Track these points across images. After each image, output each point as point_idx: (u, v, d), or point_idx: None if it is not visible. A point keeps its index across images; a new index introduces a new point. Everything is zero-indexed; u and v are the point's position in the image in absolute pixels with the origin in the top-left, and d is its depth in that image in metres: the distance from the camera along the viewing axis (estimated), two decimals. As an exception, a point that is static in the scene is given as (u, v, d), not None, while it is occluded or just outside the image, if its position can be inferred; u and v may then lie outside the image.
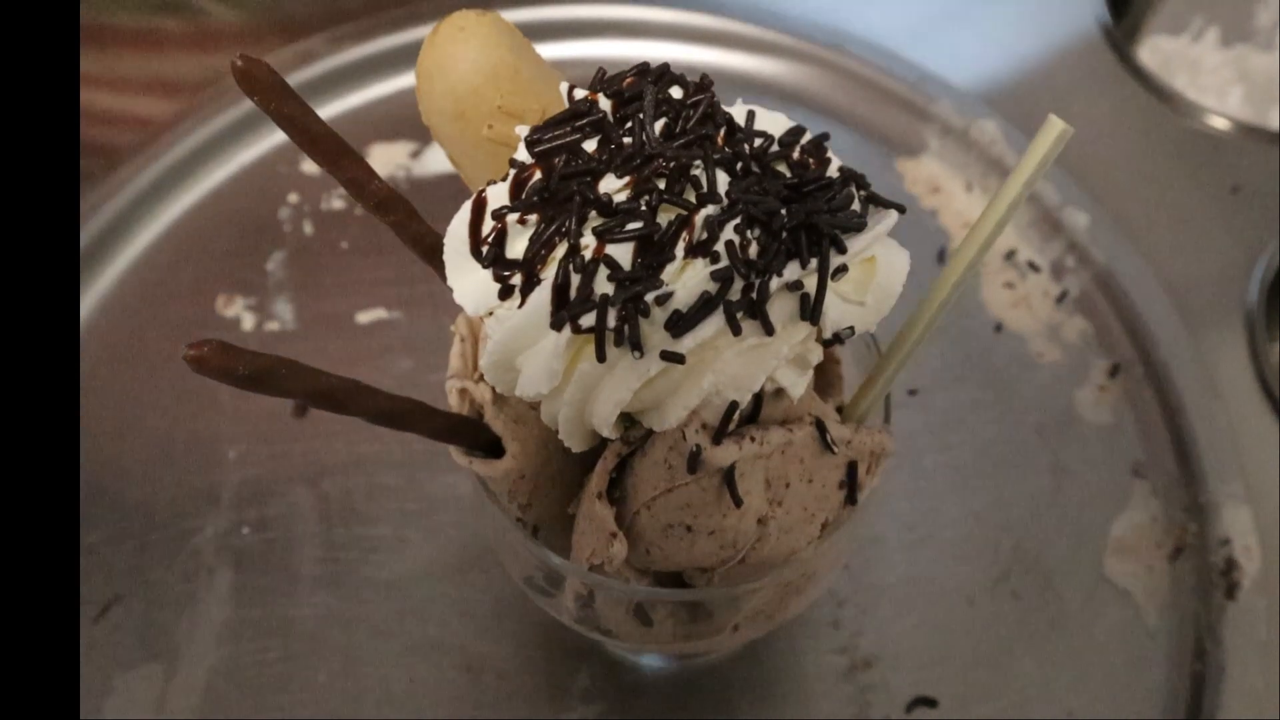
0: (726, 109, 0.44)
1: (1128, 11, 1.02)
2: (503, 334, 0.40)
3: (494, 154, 0.47)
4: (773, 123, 0.45)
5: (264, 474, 0.72)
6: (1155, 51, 1.01)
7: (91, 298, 0.80)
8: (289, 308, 0.80)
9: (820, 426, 0.46)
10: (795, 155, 0.44)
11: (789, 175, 0.43)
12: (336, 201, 0.85)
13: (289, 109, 0.39)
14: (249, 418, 0.74)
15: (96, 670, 0.64)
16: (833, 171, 0.44)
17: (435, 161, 0.86)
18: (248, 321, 0.79)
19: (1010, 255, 0.83)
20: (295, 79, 0.90)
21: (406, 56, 0.89)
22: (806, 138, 0.44)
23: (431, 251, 0.45)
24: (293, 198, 0.85)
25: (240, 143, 0.87)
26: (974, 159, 0.88)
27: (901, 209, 0.44)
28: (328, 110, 0.90)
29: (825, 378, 0.57)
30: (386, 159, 0.87)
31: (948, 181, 0.87)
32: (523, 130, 0.42)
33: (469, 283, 0.41)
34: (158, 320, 0.79)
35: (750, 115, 0.45)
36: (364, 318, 0.79)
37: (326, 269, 0.81)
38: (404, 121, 0.88)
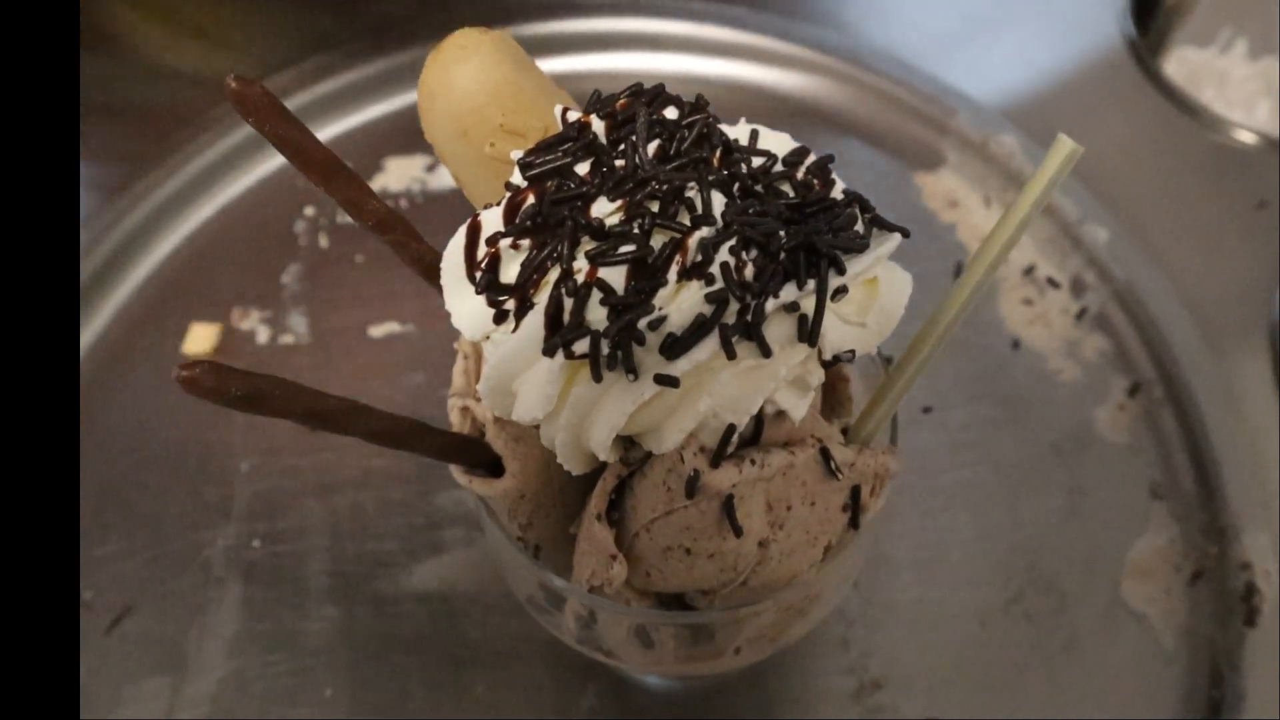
0: (729, 128, 0.44)
1: (1153, 23, 1.01)
2: (497, 359, 0.40)
3: (496, 172, 0.47)
4: (776, 142, 0.45)
5: (275, 487, 0.72)
6: (1182, 64, 0.99)
7: (108, 309, 0.80)
8: (303, 321, 0.80)
9: (824, 450, 0.46)
10: (799, 176, 0.43)
11: (792, 195, 0.42)
12: (352, 215, 0.85)
13: (284, 130, 0.39)
14: (262, 431, 0.74)
15: (106, 681, 0.65)
16: (837, 193, 0.43)
17: (450, 175, 0.86)
18: (262, 334, 0.79)
19: (1029, 271, 0.82)
20: (312, 93, 0.91)
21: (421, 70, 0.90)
22: (811, 159, 0.44)
23: (431, 270, 0.45)
24: (309, 211, 0.86)
25: (256, 156, 0.87)
26: (993, 173, 0.87)
27: (906, 233, 0.43)
28: (344, 124, 0.91)
29: (834, 397, 0.56)
30: (402, 172, 0.87)
31: (966, 196, 0.86)
32: (519, 153, 0.42)
33: (466, 307, 0.41)
34: (173, 333, 0.79)
35: (754, 134, 0.44)
36: (377, 331, 0.79)
37: (341, 282, 0.82)
38: (419, 135, 0.88)
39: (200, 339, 0.78)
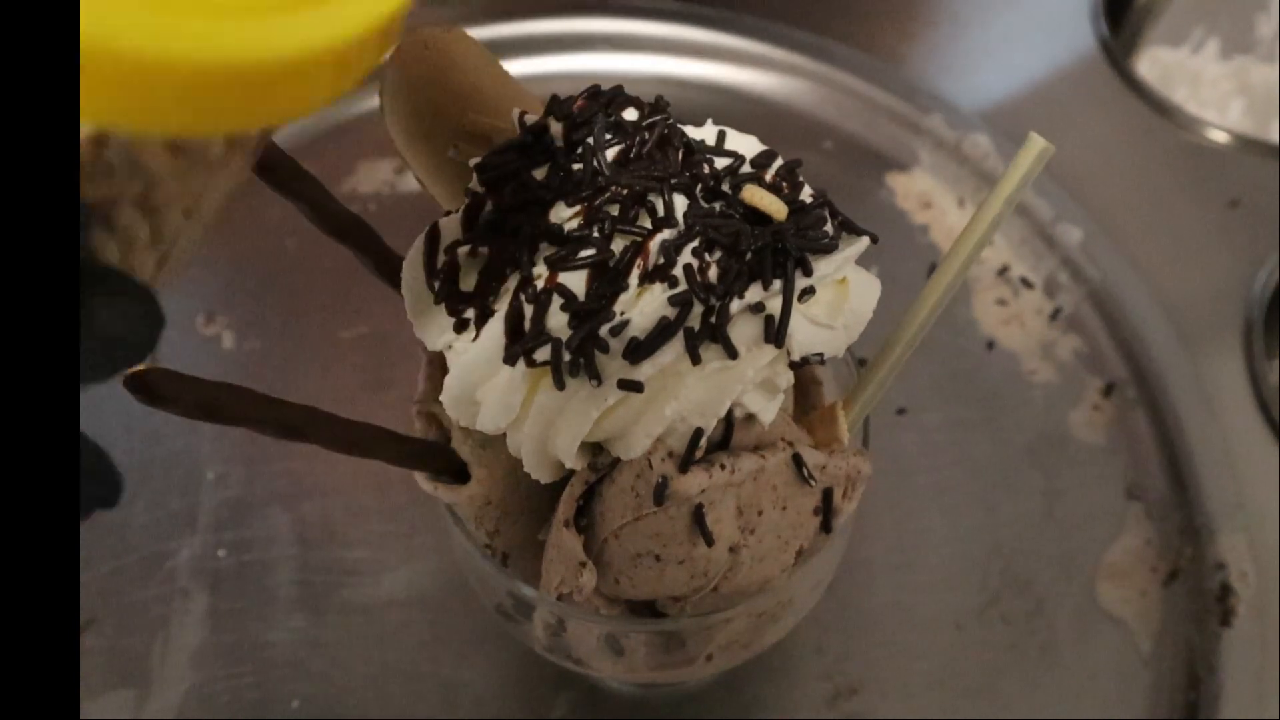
0: (695, 130, 0.43)
1: (1125, 23, 1.01)
2: (459, 368, 0.39)
3: (460, 176, 0.46)
4: (743, 144, 0.44)
5: (242, 496, 0.71)
6: (1154, 64, 0.99)
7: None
8: (271, 326, 0.79)
9: (795, 455, 0.45)
10: (768, 178, 0.43)
11: (759, 196, 0.42)
12: (320, 218, 0.84)
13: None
14: (228, 439, 0.73)
15: (68, 695, 0.63)
16: (805, 196, 0.43)
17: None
18: (228, 340, 0.78)
19: (1003, 271, 0.82)
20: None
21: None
22: (779, 162, 0.43)
23: (393, 274, 0.45)
24: (276, 215, 0.84)
25: (222, 159, 0.86)
26: (966, 174, 0.86)
27: (874, 238, 0.43)
28: (314, 126, 0.90)
29: (807, 400, 0.55)
30: (371, 175, 0.87)
31: (940, 197, 0.86)
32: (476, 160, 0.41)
33: (427, 316, 0.41)
34: (138, 339, 0.78)
35: (720, 135, 0.44)
36: (346, 335, 0.78)
37: (309, 287, 0.81)
38: (388, 137, 0.88)
39: None
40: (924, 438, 0.74)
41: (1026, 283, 0.81)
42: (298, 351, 0.78)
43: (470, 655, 0.65)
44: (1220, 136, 0.89)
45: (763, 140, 0.44)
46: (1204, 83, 0.97)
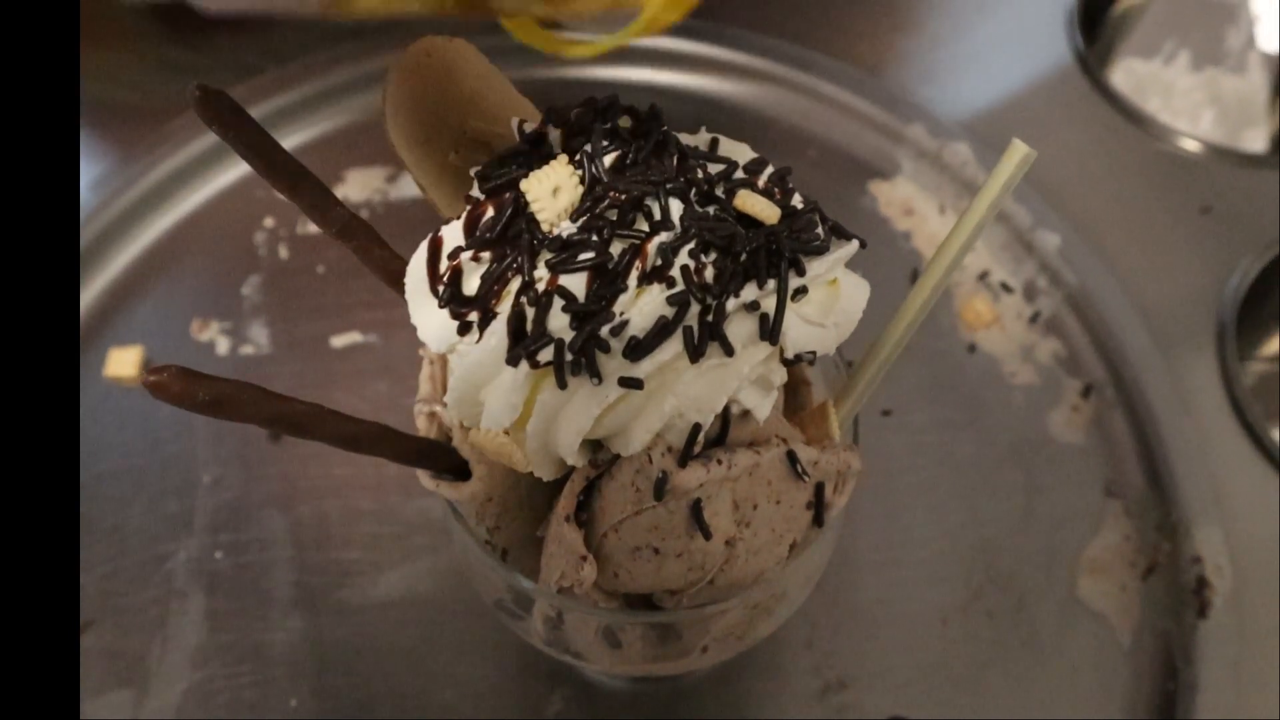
0: (689, 137, 0.45)
1: (1100, 35, 1.04)
2: (463, 370, 0.41)
3: (460, 182, 0.47)
4: (736, 151, 0.45)
5: (238, 498, 0.72)
6: (1128, 75, 1.02)
7: (66, 322, 0.80)
8: (264, 332, 0.80)
9: (789, 451, 0.46)
10: (760, 184, 0.44)
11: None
12: (312, 225, 0.84)
13: (248, 137, 0.39)
14: (224, 442, 0.74)
15: (67, 697, 0.64)
16: (796, 202, 0.44)
17: (412, 185, 0.86)
18: (222, 346, 0.79)
19: (983, 276, 0.83)
20: (273, 104, 0.90)
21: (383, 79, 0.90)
22: (770, 169, 0.45)
23: (395, 277, 0.46)
24: (268, 222, 0.85)
25: (216, 167, 0.87)
26: (947, 181, 0.88)
27: (863, 242, 0.44)
28: (305, 135, 0.91)
29: (797, 399, 0.57)
30: (363, 183, 0.87)
31: (921, 204, 0.88)
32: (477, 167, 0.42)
33: (430, 320, 0.42)
34: (132, 344, 0.79)
35: (714, 142, 0.45)
36: (339, 341, 0.79)
37: (302, 293, 0.82)
38: (380, 145, 0.88)
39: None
40: (909, 439, 0.75)
41: (1006, 287, 0.83)
42: (291, 357, 0.79)
43: (466, 653, 0.66)
44: (1192, 145, 0.91)
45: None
46: (1176, 93, 1.00)
